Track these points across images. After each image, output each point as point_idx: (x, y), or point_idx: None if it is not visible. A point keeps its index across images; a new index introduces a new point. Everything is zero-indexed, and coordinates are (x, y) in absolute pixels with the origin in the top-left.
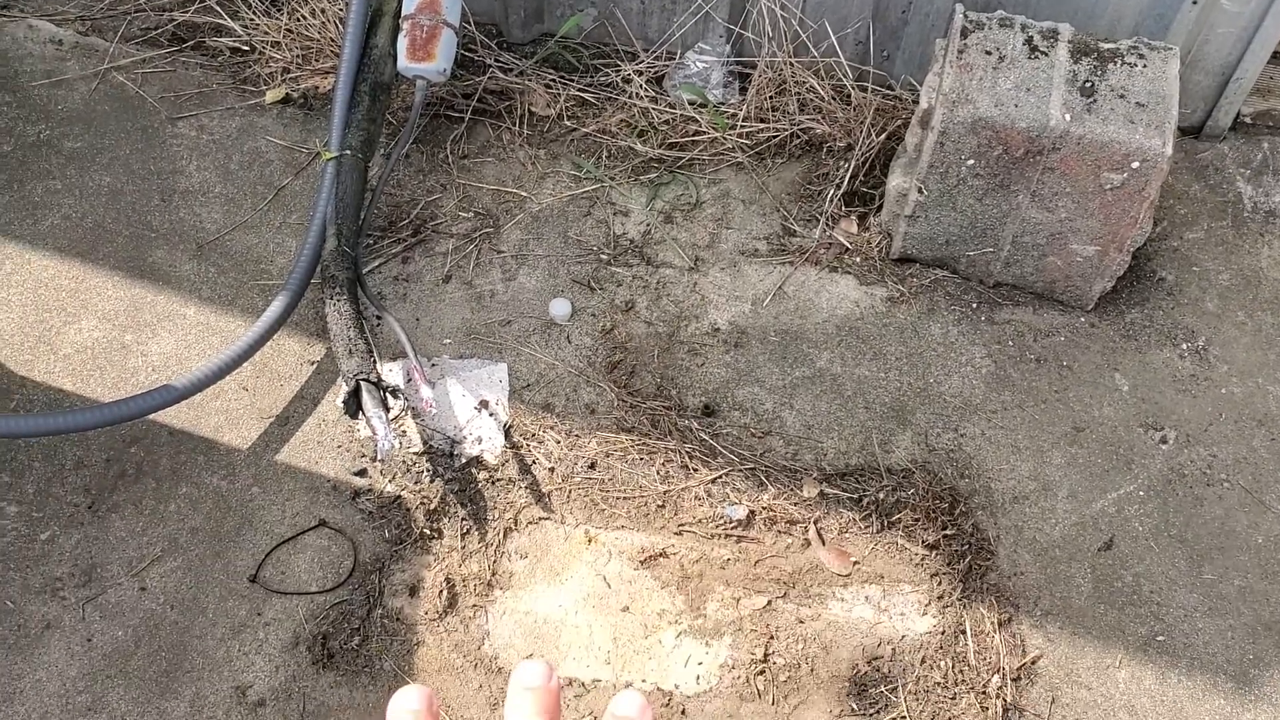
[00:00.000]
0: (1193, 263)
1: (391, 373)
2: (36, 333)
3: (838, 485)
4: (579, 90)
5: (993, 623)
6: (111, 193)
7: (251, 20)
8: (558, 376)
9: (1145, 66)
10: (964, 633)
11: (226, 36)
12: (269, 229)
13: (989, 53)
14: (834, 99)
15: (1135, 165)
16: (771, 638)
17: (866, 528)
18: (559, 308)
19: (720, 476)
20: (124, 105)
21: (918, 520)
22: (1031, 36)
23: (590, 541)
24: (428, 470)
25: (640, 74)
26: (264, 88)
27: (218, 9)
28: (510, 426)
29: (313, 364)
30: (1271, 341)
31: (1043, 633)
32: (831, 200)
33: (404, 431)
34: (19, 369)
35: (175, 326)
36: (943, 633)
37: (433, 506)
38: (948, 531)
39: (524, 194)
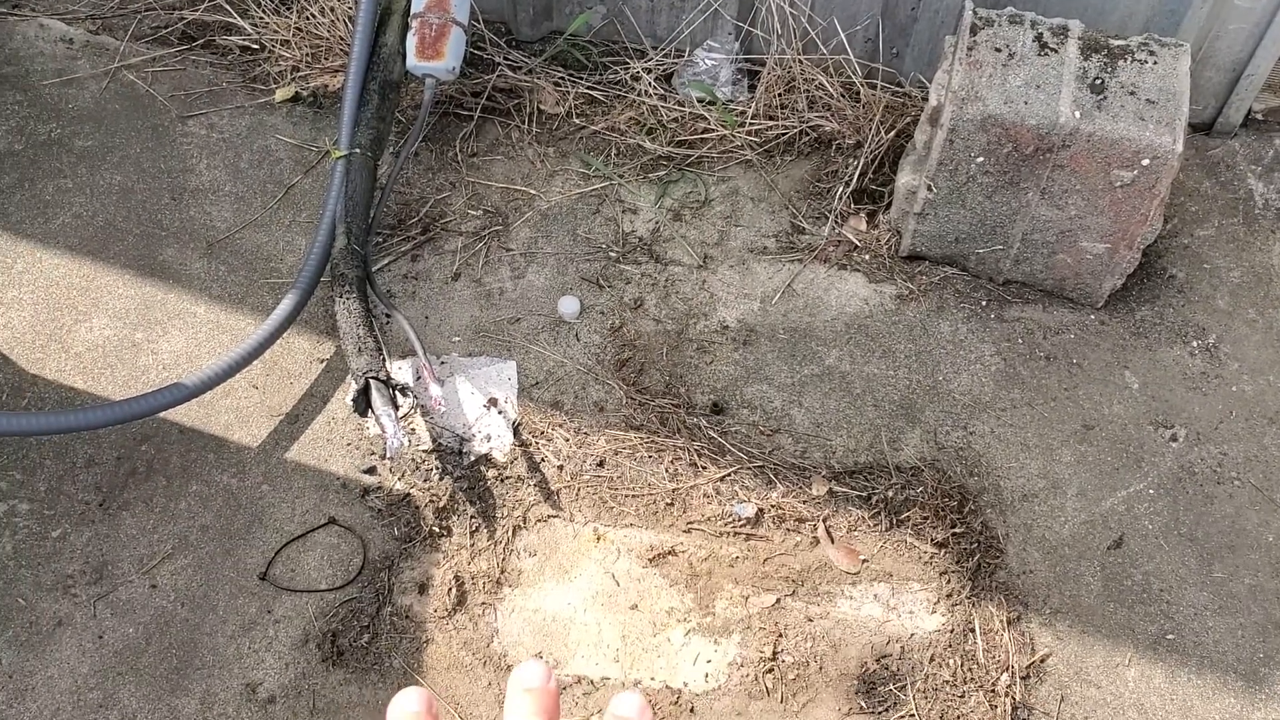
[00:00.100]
0: (1203, 260)
1: (401, 370)
2: (48, 331)
3: (846, 483)
4: (588, 88)
5: (1002, 621)
6: (122, 191)
7: (261, 19)
8: (566, 374)
9: (1156, 63)
10: (973, 631)
11: (236, 35)
12: (279, 227)
13: (999, 50)
14: (843, 96)
15: (1145, 162)
16: (780, 636)
17: (875, 526)
18: (568, 305)
19: (729, 474)
20: (134, 104)
21: (927, 518)
22: (1041, 33)
23: (599, 539)
24: (437, 468)
25: (649, 71)
26: (273, 86)
27: (227, 7)
28: (519, 424)
29: (322, 362)
30: None
31: (1052, 631)
32: (840, 198)
33: (413, 429)
34: (30, 367)
35: (185, 325)
36: (951, 631)
37: (442, 504)
38: (957, 529)
39: (533, 192)
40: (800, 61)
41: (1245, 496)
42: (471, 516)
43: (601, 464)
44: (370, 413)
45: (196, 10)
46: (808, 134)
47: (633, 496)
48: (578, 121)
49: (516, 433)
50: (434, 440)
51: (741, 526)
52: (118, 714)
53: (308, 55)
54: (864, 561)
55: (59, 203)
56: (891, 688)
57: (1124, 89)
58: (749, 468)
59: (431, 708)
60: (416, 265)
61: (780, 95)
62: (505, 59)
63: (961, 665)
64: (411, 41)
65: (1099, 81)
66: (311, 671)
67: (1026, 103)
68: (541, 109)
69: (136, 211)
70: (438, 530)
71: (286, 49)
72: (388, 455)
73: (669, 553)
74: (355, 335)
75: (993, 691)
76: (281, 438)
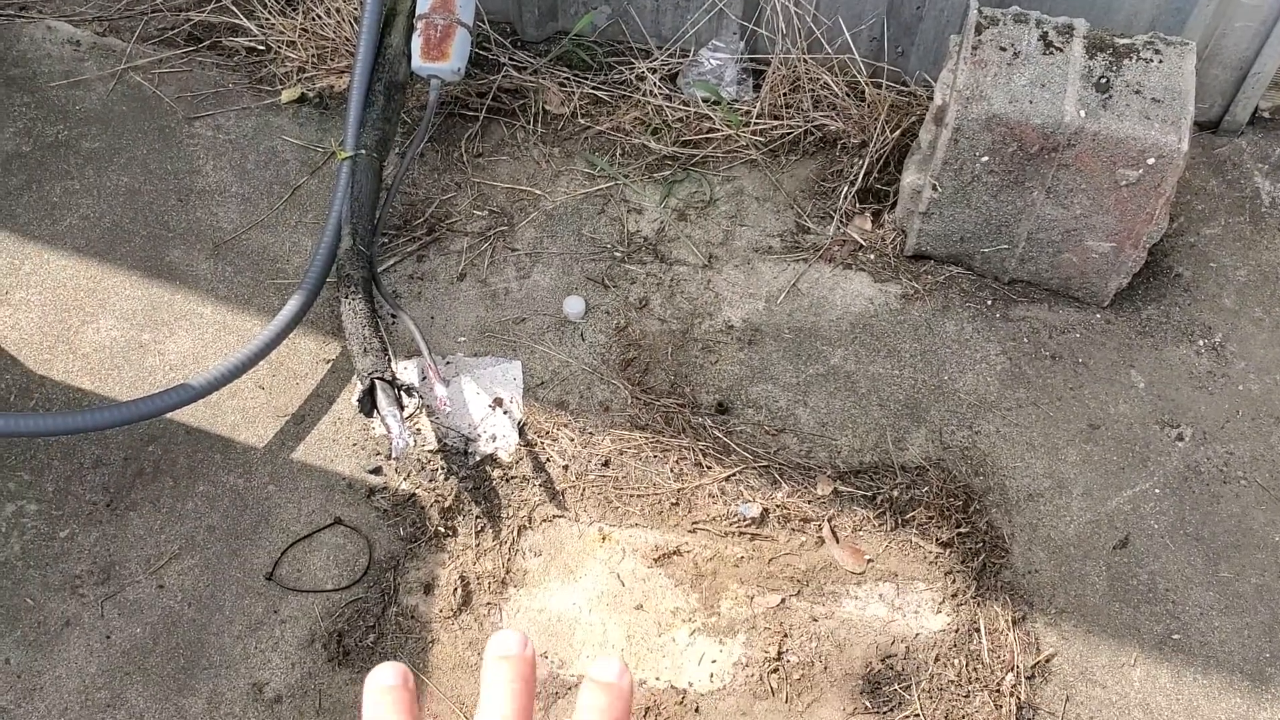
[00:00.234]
0: (1210, 259)
1: (406, 371)
2: (55, 332)
3: (851, 483)
4: (593, 88)
5: (1007, 621)
6: (129, 193)
7: (267, 20)
8: (572, 374)
9: (1161, 62)
10: (978, 631)
11: (242, 36)
12: (285, 228)
13: (1004, 49)
14: (848, 96)
15: (1151, 161)
16: (785, 636)
17: (880, 525)
18: (573, 305)
19: (734, 474)
20: (141, 105)
21: (932, 518)
22: (1046, 32)
23: (604, 539)
24: (442, 468)
25: (654, 71)
26: (280, 87)
27: (233, 9)
28: (524, 424)
29: (328, 362)
30: None
31: (1057, 631)
32: (846, 197)
33: (419, 429)
34: (38, 368)
35: (192, 325)
36: (957, 631)
37: (447, 504)
38: (962, 529)
39: (538, 192)
40: (805, 61)
41: (1252, 496)
42: (477, 517)
43: (607, 464)
44: (376, 413)
45: (203, 12)
46: (813, 133)
47: (638, 496)
48: (583, 122)
49: (522, 433)
50: (439, 440)
51: (746, 526)
52: (125, 713)
53: (313, 56)
54: (869, 561)
55: (66, 204)
56: (896, 687)
57: (1129, 88)
58: (754, 467)
59: (408, 682)
60: (422, 266)
61: (785, 95)
62: (510, 59)
63: (966, 665)
64: (416, 42)
65: (1104, 80)
66: (317, 671)
67: (1031, 102)
68: (547, 109)
69: (143, 213)
70: (443, 530)
71: (292, 50)
72: (393, 455)
73: (674, 553)
74: (361, 336)
75: (998, 691)
76: (288, 438)
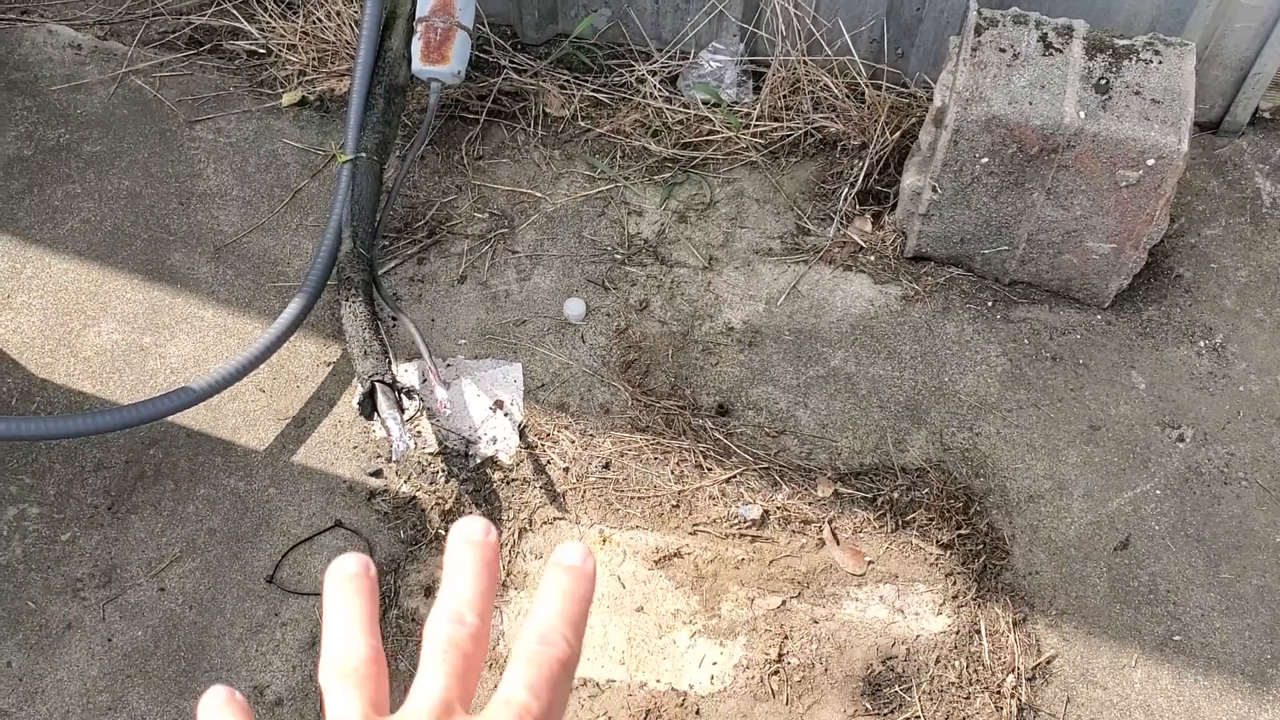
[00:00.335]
0: (1210, 259)
1: (407, 374)
2: (57, 335)
3: (852, 485)
4: (593, 91)
5: (1008, 622)
6: (130, 196)
7: (268, 23)
8: (572, 376)
9: (1161, 63)
10: (979, 632)
11: (243, 40)
12: (286, 231)
13: (1003, 50)
14: (848, 97)
15: (1151, 162)
16: (786, 638)
17: (881, 527)
18: (573, 308)
19: (734, 476)
20: (142, 109)
21: (932, 520)
22: (1046, 33)
23: (605, 542)
24: (443, 471)
25: (654, 74)
26: (280, 90)
27: (234, 12)
28: (525, 426)
29: (329, 365)
30: None
31: (1058, 632)
32: (846, 199)
33: (419, 432)
34: (40, 371)
35: (193, 329)
36: (957, 632)
37: (448, 507)
38: (962, 531)
39: (539, 194)
40: (805, 63)
41: (1253, 497)
42: None
43: (607, 466)
44: (376, 416)
45: (204, 15)
46: (812, 135)
47: (638, 499)
48: (583, 124)
49: (522, 435)
50: (440, 443)
51: (747, 528)
52: (126, 716)
53: (314, 60)
54: (869, 563)
55: (68, 208)
56: (897, 689)
57: (1129, 89)
58: (754, 469)
59: (369, 570)
60: (423, 268)
61: (785, 97)
62: (510, 62)
63: (967, 667)
64: (417, 46)
65: (1104, 81)
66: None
67: (1031, 103)
68: (547, 112)
69: (144, 216)
70: (444, 533)
71: (293, 53)
72: (394, 458)
73: (675, 555)
74: (361, 339)
75: (998, 693)
76: (288, 441)
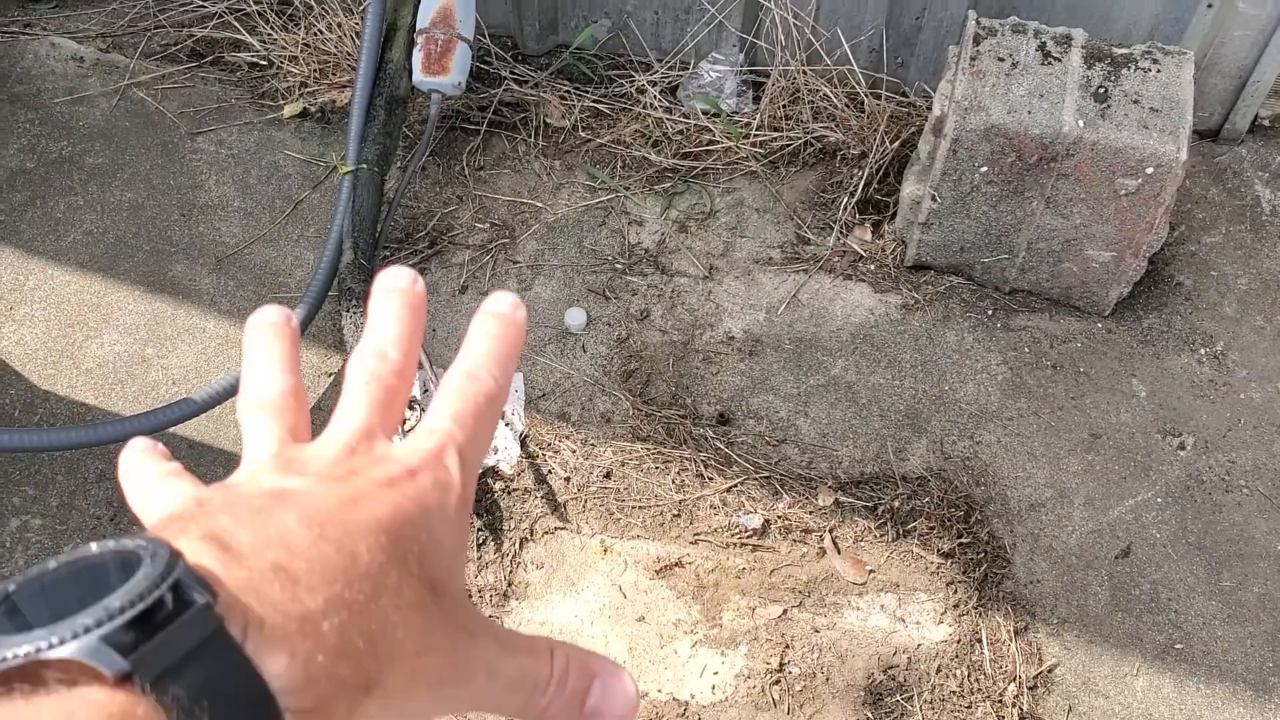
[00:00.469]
0: (1211, 267)
1: None
2: (59, 347)
3: (853, 493)
4: (593, 101)
5: (1009, 631)
6: (132, 208)
7: (269, 35)
8: (573, 386)
9: (1159, 71)
10: (980, 641)
11: (245, 52)
12: (287, 242)
13: (1002, 59)
14: (848, 107)
15: (1150, 171)
16: (787, 647)
17: (882, 536)
18: (574, 317)
19: (735, 485)
20: (144, 121)
21: (933, 528)
22: (1045, 42)
23: (606, 551)
24: None
25: (654, 84)
26: (282, 102)
27: (236, 24)
28: (526, 436)
29: (330, 376)
30: None
31: (1059, 641)
32: (845, 208)
33: None
34: (42, 383)
35: (195, 340)
36: (959, 641)
37: None
38: (963, 539)
39: (539, 205)
40: (804, 73)
41: (1254, 504)
42: (478, 529)
43: (608, 475)
44: None
45: (205, 28)
46: (812, 145)
47: (639, 508)
48: (584, 134)
49: (524, 445)
50: None
51: (748, 537)
52: None
53: (315, 71)
54: (870, 572)
55: (70, 220)
56: (898, 698)
57: (1127, 97)
58: (755, 478)
59: (291, 321)
60: (424, 278)
61: (785, 106)
62: (511, 73)
63: (968, 676)
64: (417, 57)
65: (1102, 90)
66: None
67: (1030, 112)
68: (548, 122)
69: (146, 228)
70: None
71: (294, 65)
72: None
73: (676, 564)
74: None
75: (1000, 702)
76: None
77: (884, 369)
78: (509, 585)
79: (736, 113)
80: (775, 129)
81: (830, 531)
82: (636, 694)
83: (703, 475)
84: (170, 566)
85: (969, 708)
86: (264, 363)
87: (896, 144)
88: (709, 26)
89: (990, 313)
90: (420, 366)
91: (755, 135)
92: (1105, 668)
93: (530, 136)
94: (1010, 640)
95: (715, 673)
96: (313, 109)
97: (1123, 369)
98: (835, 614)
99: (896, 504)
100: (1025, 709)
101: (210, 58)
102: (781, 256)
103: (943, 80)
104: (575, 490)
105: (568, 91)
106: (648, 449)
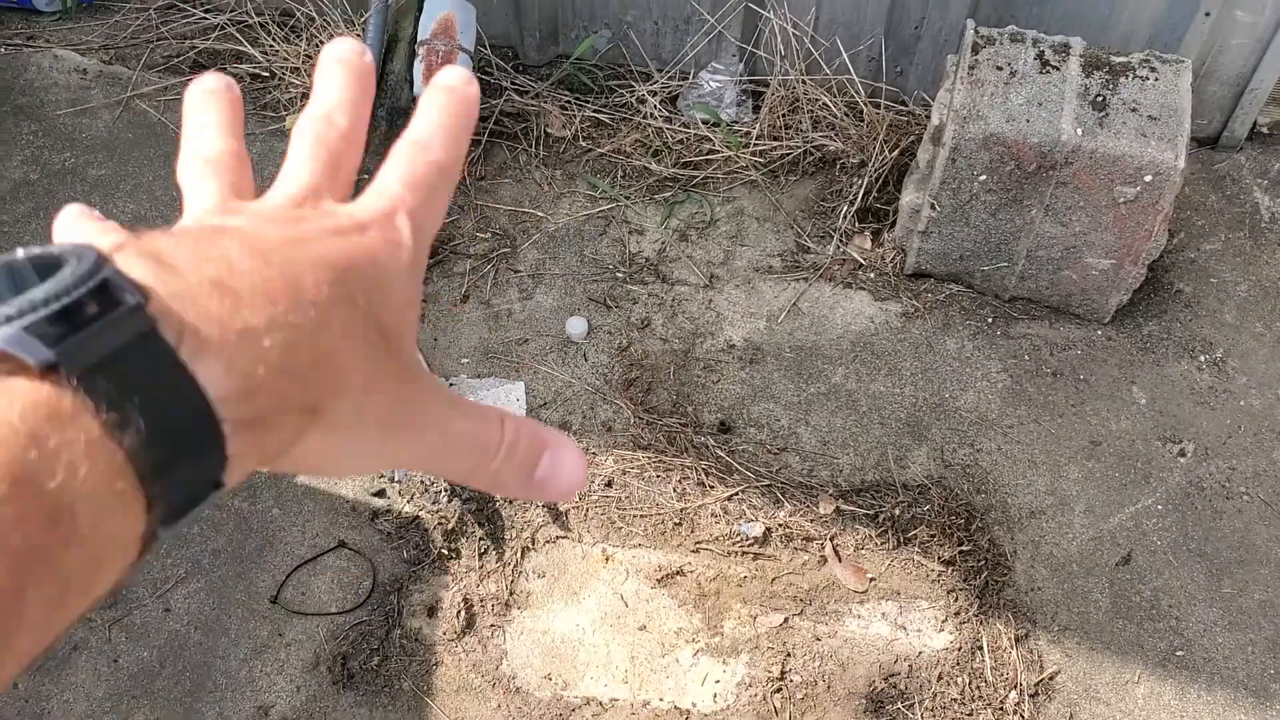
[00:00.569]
0: (1210, 274)
1: None
2: None
3: (854, 501)
4: (594, 111)
5: (1010, 638)
6: (135, 219)
7: (271, 47)
8: (574, 394)
9: (1157, 80)
10: (981, 648)
11: (247, 63)
12: None
13: (1000, 68)
14: (847, 116)
15: (1148, 179)
16: (788, 655)
17: (883, 544)
18: (575, 326)
19: (736, 493)
20: (147, 132)
21: (934, 536)
22: (1043, 51)
23: (607, 560)
24: (445, 490)
25: (654, 94)
26: (284, 113)
27: (238, 36)
28: None
29: None
30: None
31: (1060, 648)
32: (845, 216)
33: None
34: None
35: None
36: (959, 649)
37: (450, 527)
38: (964, 547)
39: (540, 214)
40: (804, 82)
41: (1254, 511)
42: (480, 539)
43: (610, 484)
44: None
45: (208, 39)
46: (812, 154)
47: (641, 516)
48: (584, 144)
49: None
50: None
51: (749, 546)
52: None
53: None
54: (872, 580)
55: None
56: (900, 706)
57: (1125, 106)
58: (756, 486)
59: (233, 88)
60: (425, 288)
61: (784, 116)
62: (512, 83)
63: (970, 683)
64: (418, 69)
65: (1101, 99)
66: (322, 694)
67: (1028, 120)
68: (548, 132)
69: None
70: (446, 553)
71: (296, 76)
72: (396, 478)
73: (677, 573)
74: None
75: (1001, 709)
76: None
77: (884, 377)
78: (511, 594)
79: (736, 122)
80: (775, 138)
81: (831, 539)
82: (585, 467)
83: (704, 483)
84: (98, 266)
85: (970, 715)
86: (204, 124)
87: (896, 153)
88: (709, 37)
89: (990, 320)
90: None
91: (755, 144)
92: (1106, 675)
93: (531, 146)
94: (1011, 647)
95: (717, 681)
96: None
97: (1123, 376)
98: (836, 622)
99: (897, 512)
100: (1027, 716)
101: (212, 69)
102: (782, 265)
103: (941, 89)
104: (576, 499)
105: (568, 101)
106: (649, 457)
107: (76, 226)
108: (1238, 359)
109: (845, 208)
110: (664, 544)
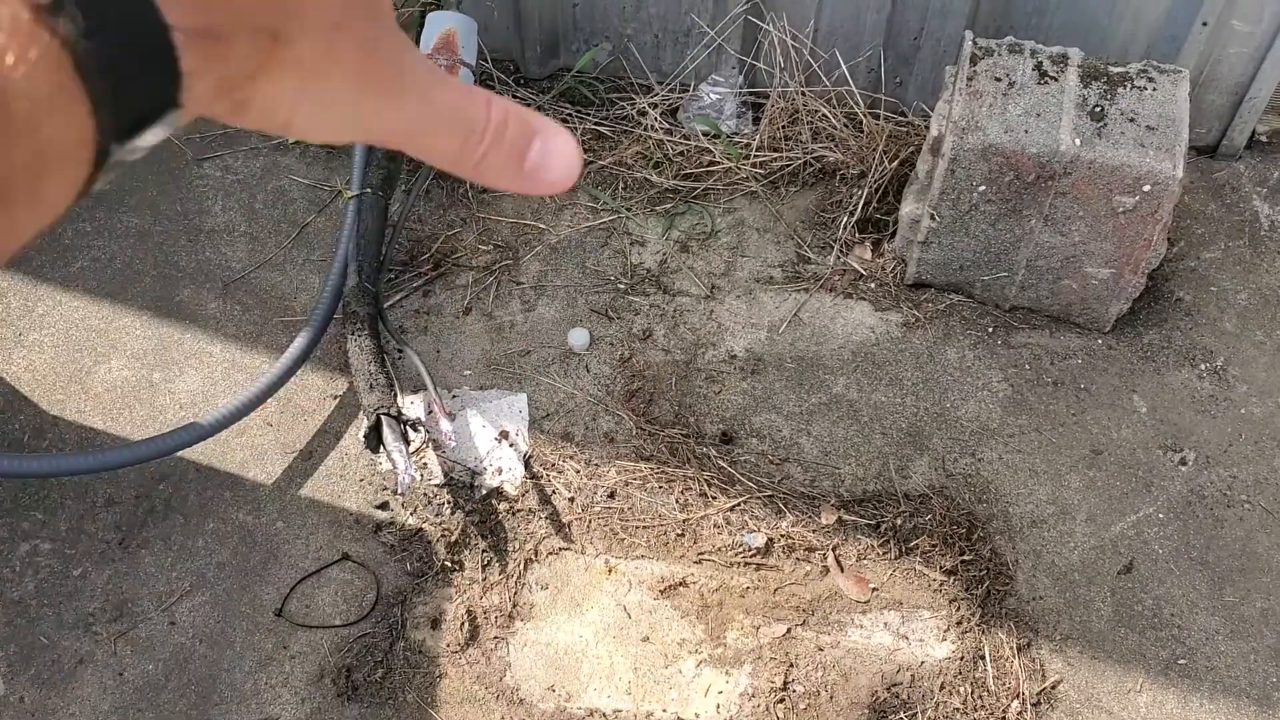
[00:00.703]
0: (1210, 282)
1: (412, 405)
2: (68, 372)
3: (856, 512)
4: (595, 124)
5: (1012, 648)
6: (139, 233)
7: None
8: (577, 406)
9: (1155, 90)
10: (983, 658)
11: None
12: (293, 266)
13: (998, 79)
14: (846, 127)
15: (1147, 188)
16: (791, 666)
17: (885, 554)
18: (577, 337)
19: (739, 504)
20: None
21: (936, 546)
22: (1041, 62)
23: (610, 571)
24: (449, 502)
25: (655, 107)
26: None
27: None
28: (530, 457)
29: (335, 398)
30: None
31: (1062, 657)
32: (845, 227)
33: (425, 464)
34: (51, 408)
35: (202, 364)
36: (962, 658)
37: (454, 539)
38: (966, 557)
39: (542, 226)
40: (803, 93)
41: (1256, 519)
42: (483, 550)
43: (612, 495)
44: (382, 449)
45: None
46: (812, 165)
47: (643, 528)
48: (586, 156)
49: (528, 465)
50: (446, 474)
51: (752, 556)
52: None
53: None
54: (874, 590)
55: (78, 246)
56: (902, 716)
57: (1124, 116)
58: (758, 497)
59: None
60: (428, 300)
61: (784, 127)
62: (513, 96)
63: (972, 693)
64: None
65: (1099, 109)
66: (327, 706)
67: (1027, 131)
68: None
69: (153, 253)
70: (450, 565)
71: None
72: (400, 491)
73: (680, 584)
74: (367, 372)
75: (1004, 718)
76: (295, 474)
77: (885, 387)
78: (514, 606)
79: (736, 134)
80: (775, 149)
81: (833, 550)
82: (579, 156)
83: (706, 494)
84: None
85: None
86: None
87: (895, 163)
88: (708, 49)
89: (991, 330)
90: (423, 388)
91: (755, 156)
92: (1108, 684)
93: None
94: (1013, 657)
95: (720, 692)
96: None
97: (1123, 385)
98: (839, 632)
99: (899, 522)
100: None
101: None
102: (782, 275)
103: (940, 100)
104: (579, 510)
105: (569, 114)
106: (651, 468)
107: None
108: (1238, 367)
109: (845, 218)
110: (666, 555)
